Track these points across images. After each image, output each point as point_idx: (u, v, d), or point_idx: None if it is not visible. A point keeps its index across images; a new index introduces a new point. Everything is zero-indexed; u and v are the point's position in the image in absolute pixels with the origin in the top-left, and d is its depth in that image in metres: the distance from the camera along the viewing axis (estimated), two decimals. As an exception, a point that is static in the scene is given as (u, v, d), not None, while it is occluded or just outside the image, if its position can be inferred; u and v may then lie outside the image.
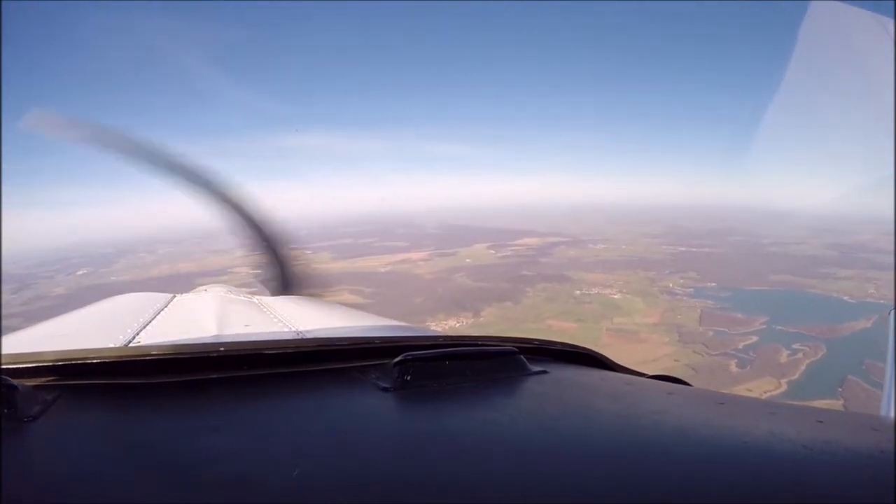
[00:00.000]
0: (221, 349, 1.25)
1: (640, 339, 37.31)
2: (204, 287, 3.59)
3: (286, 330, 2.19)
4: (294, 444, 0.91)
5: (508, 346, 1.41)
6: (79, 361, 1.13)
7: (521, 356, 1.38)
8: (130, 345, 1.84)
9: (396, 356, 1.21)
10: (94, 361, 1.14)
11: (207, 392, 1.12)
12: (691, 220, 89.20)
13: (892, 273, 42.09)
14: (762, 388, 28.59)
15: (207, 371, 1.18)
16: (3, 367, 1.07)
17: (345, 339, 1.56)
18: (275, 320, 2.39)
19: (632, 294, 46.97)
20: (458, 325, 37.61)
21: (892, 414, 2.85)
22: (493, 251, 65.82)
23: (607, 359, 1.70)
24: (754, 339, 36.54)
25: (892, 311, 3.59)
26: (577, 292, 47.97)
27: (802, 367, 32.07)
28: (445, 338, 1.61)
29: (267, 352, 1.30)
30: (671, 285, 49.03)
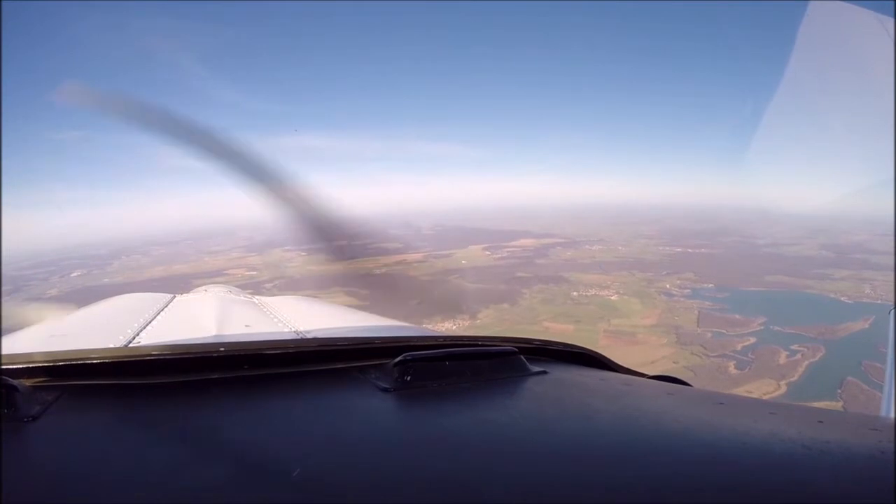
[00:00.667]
0: (222, 349, 1.25)
1: (638, 341, 37.29)
2: (204, 287, 3.59)
3: (286, 330, 2.21)
4: (294, 445, 0.91)
5: (508, 347, 1.42)
6: (79, 361, 1.13)
7: (521, 356, 1.39)
8: (131, 345, 1.85)
9: (396, 356, 1.22)
10: (95, 361, 1.14)
11: (208, 392, 1.12)
12: (686, 221, 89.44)
13: (888, 274, 42.32)
14: (762, 389, 28.59)
15: (208, 371, 1.18)
16: (3, 367, 1.07)
17: (345, 339, 1.56)
18: (275, 320, 2.41)
19: (629, 295, 46.99)
20: (454, 327, 37.42)
21: (892, 414, 2.89)
22: (488, 252, 65.78)
23: (607, 359, 1.71)
24: (752, 340, 36.54)
25: (893, 311, 3.61)
26: (574, 294, 47.95)
27: (802, 369, 32.09)
28: (445, 338, 1.61)
29: (267, 352, 1.30)
30: (668, 286, 49.06)
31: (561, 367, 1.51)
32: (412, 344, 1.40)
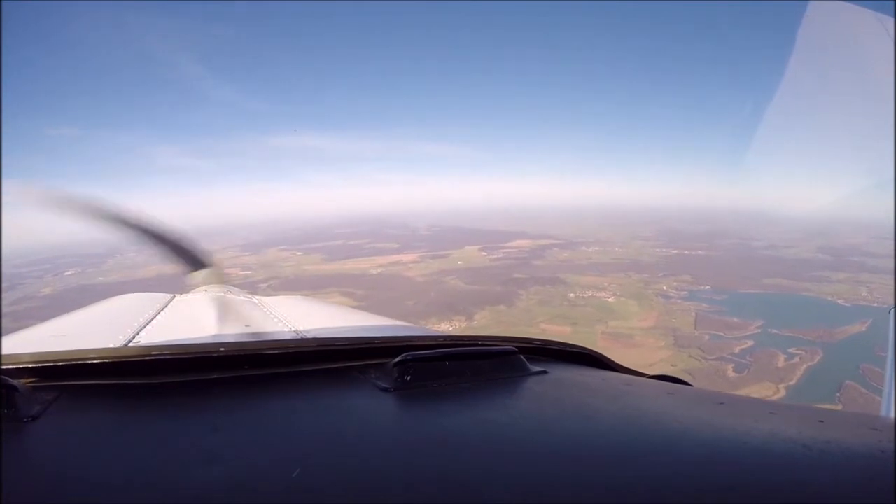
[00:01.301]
0: (222, 349, 1.24)
1: (636, 343, 37.28)
2: (204, 287, 3.57)
3: (286, 330, 2.20)
4: (294, 445, 0.91)
5: (508, 346, 1.41)
6: (79, 362, 1.13)
7: (521, 356, 1.39)
8: (131, 345, 1.84)
9: (396, 356, 1.21)
10: (95, 362, 1.13)
11: (208, 392, 1.12)
12: (683, 223, 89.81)
13: (885, 277, 42.53)
14: (760, 393, 28.60)
15: (208, 371, 1.18)
16: (3, 367, 1.06)
17: (345, 339, 1.54)
18: (275, 320, 2.41)
19: (626, 297, 47.00)
20: (451, 328, 37.36)
21: (892, 414, 2.88)
22: (485, 253, 65.89)
23: (607, 359, 1.70)
24: (750, 343, 36.67)
25: (893, 311, 3.59)
26: (571, 295, 47.98)
27: (800, 372, 32.21)
28: (445, 338, 1.59)
29: (267, 352, 1.29)
30: (665, 288, 49.15)
31: (561, 367, 1.51)
32: (412, 344, 1.39)
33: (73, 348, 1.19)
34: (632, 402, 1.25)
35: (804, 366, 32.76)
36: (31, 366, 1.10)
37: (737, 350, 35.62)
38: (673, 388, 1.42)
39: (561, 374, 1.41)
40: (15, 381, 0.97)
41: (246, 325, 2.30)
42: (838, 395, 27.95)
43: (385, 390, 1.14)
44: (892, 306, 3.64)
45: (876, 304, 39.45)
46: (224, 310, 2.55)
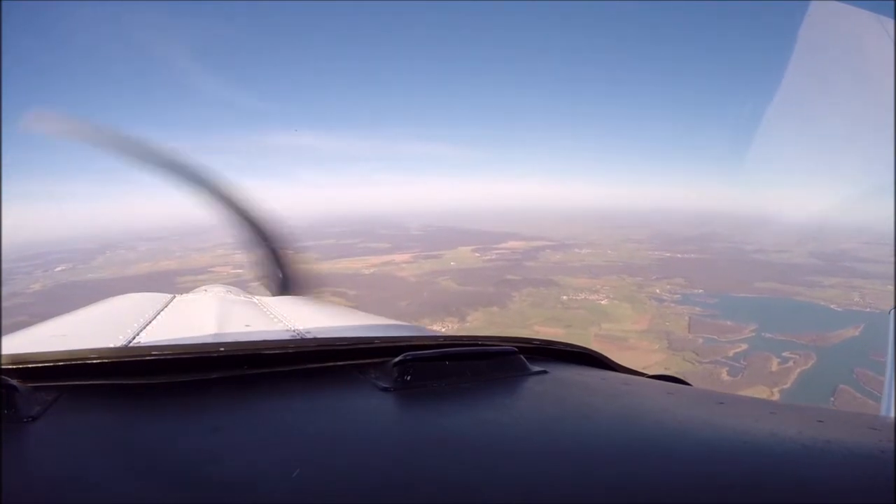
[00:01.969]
0: (222, 349, 1.24)
1: (630, 346, 37.23)
2: (204, 287, 3.58)
3: (286, 330, 2.18)
4: (294, 445, 0.91)
5: (508, 346, 1.41)
6: (79, 362, 1.12)
7: (521, 356, 1.39)
8: (131, 345, 1.83)
9: (396, 356, 1.22)
10: (95, 362, 1.13)
11: (208, 392, 1.12)
12: (676, 226, 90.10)
13: (876, 282, 42.75)
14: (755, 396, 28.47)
15: (208, 371, 1.18)
16: (3, 367, 1.06)
17: (345, 339, 1.54)
18: (275, 320, 2.39)
19: (619, 300, 46.98)
20: (444, 329, 37.12)
21: (892, 414, 2.87)
22: (477, 254, 65.75)
23: (607, 359, 1.70)
24: (744, 346, 36.73)
25: (893, 311, 3.56)
26: (564, 297, 47.93)
27: (794, 376, 32.30)
28: (445, 338, 1.60)
29: (267, 352, 1.29)
30: (658, 291, 49.18)
31: (561, 367, 1.51)
32: (412, 344, 1.39)
33: (74, 348, 1.19)
34: (632, 401, 1.26)
35: (798, 370, 32.85)
36: (31, 366, 1.09)
37: (731, 353, 35.68)
38: (673, 387, 1.43)
39: (561, 374, 1.41)
40: (15, 381, 0.97)
41: (246, 326, 2.30)
42: (832, 399, 28.00)
43: (385, 390, 1.14)
44: (893, 307, 3.60)
45: (868, 310, 39.65)
46: (224, 310, 2.56)
